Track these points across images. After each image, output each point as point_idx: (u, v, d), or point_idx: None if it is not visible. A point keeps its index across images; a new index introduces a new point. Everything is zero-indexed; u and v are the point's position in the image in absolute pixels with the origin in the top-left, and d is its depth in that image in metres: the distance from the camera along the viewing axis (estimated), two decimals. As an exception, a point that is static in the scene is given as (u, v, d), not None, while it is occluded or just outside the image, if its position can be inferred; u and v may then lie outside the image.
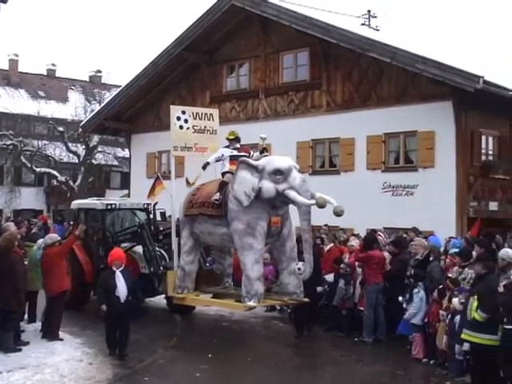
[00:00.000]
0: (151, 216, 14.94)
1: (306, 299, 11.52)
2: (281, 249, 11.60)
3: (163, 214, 14.81)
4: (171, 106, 13.77)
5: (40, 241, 12.54)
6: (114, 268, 10.50)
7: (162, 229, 14.93)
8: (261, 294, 11.08)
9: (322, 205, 10.43)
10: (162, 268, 13.25)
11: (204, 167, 12.54)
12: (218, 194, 11.74)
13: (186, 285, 12.54)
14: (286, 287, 11.53)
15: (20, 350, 10.44)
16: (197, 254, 12.72)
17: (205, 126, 13.62)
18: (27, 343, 10.75)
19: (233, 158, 11.96)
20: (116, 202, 15.00)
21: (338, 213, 10.32)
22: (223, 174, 12.12)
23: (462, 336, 8.76)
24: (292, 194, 10.71)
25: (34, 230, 19.63)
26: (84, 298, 14.11)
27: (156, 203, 14.65)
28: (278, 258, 11.77)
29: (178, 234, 12.99)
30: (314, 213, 10.99)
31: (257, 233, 11.05)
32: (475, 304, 8.53)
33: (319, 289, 12.72)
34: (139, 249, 13.74)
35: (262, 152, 12.10)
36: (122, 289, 10.34)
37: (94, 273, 13.79)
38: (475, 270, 9.10)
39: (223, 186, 11.74)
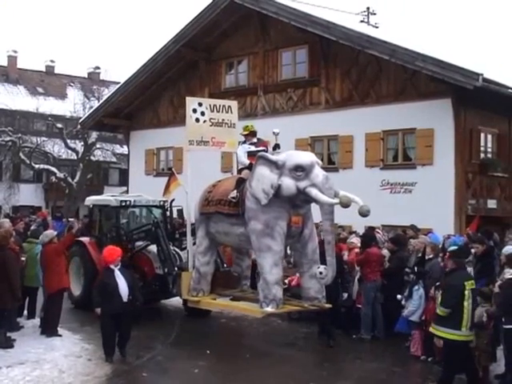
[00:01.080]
0: (168, 213, 14.50)
1: (328, 305, 10.81)
2: (302, 251, 10.77)
3: (180, 212, 13.99)
4: (187, 98, 13.01)
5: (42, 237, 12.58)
6: (112, 266, 10.09)
7: (178, 227, 14.51)
8: (279, 300, 10.36)
9: (346, 204, 9.59)
10: (176, 269, 12.64)
11: (241, 170, 11.62)
12: (235, 191, 11.03)
13: (200, 287, 11.89)
14: (306, 292, 10.75)
15: (12, 346, 10.44)
16: (213, 254, 12.06)
17: (222, 119, 12.91)
18: (14, 340, 10.67)
19: (251, 154, 11.31)
20: (131, 199, 14.44)
21: (364, 213, 9.48)
22: (240, 170, 11.63)
23: (430, 329, 9.05)
24: (314, 191, 9.92)
25: (32, 227, 19.62)
26: None
27: (173, 200, 14.07)
28: (299, 260, 10.98)
29: (194, 233, 12.37)
30: (313, 210, 10.69)
31: (276, 233, 10.33)
32: (439, 299, 8.89)
33: (345, 295, 12.16)
34: (154, 248, 13.25)
35: (274, 148, 11.48)
36: (123, 287, 9.94)
37: None
38: (448, 265, 9.25)
39: (241, 183, 11.06)
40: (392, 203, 18.11)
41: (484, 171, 18.48)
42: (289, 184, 10.16)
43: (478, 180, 18.44)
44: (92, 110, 29.30)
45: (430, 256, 10.85)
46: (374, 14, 31.39)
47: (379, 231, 14.73)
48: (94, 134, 37.79)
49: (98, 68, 48.54)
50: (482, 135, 18.78)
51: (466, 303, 8.57)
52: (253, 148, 11.48)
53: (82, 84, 47.28)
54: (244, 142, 11.83)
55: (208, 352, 10.79)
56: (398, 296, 10.93)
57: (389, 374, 9.87)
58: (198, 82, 23.85)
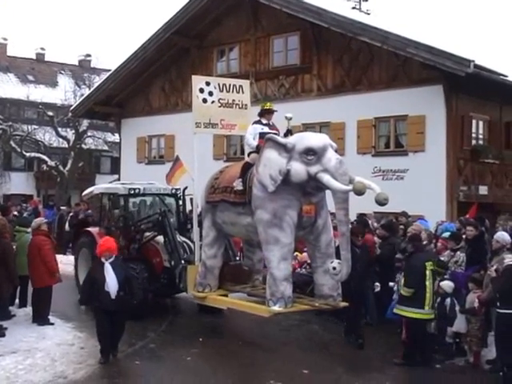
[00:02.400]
0: (181, 202, 13.67)
1: (344, 303, 9.89)
2: (315, 243, 9.85)
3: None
4: (193, 77, 12.09)
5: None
6: (103, 259, 9.35)
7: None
8: (288, 298, 9.49)
9: (360, 191, 8.67)
10: (183, 262, 11.86)
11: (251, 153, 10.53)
12: (240, 180, 10.15)
13: (207, 282, 11.07)
14: (320, 289, 9.88)
15: (4, 334, 10.41)
16: (220, 246, 11.17)
17: (233, 100, 11.92)
18: (5, 329, 10.62)
19: (262, 137, 10.17)
20: (140, 187, 13.55)
21: (381, 201, 8.57)
22: (249, 154, 10.58)
23: (395, 311, 9.86)
24: (326, 177, 9.00)
25: (24, 215, 19.59)
26: None
27: (186, 188, 13.00)
28: (312, 254, 10.07)
29: (201, 224, 11.57)
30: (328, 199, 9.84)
31: (284, 224, 9.42)
32: (402, 281, 9.62)
33: (377, 286, 11.11)
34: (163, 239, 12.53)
35: (286, 134, 10.54)
36: (111, 283, 9.22)
37: None
38: (407, 249, 9.98)
39: (246, 170, 10.15)
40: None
41: (475, 158, 18.53)
42: (298, 169, 9.28)
43: (470, 166, 18.48)
44: (83, 97, 29.14)
45: (425, 242, 10.86)
46: (366, 0, 31.20)
47: (370, 218, 14.78)
48: (85, 122, 37.63)
49: (88, 56, 48.27)
50: (474, 122, 18.81)
51: (427, 283, 9.40)
52: (266, 129, 10.38)
53: (72, 72, 47.00)
54: (257, 122, 10.65)
55: (201, 340, 10.81)
56: (391, 283, 10.96)
57: (382, 360, 9.91)
58: (189, 69, 23.68)
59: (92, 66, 45.77)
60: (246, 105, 12.11)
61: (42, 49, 49.37)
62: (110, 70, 27.44)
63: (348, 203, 9.05)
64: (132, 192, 13.37)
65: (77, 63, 49.34)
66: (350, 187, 8.80)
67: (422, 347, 9.63)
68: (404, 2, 61.14)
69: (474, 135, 18.85)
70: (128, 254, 12.54)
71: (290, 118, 10.82)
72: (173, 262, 12.08)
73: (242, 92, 12.18)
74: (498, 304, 8.38)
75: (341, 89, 19.87)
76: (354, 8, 28.65)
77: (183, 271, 11.72)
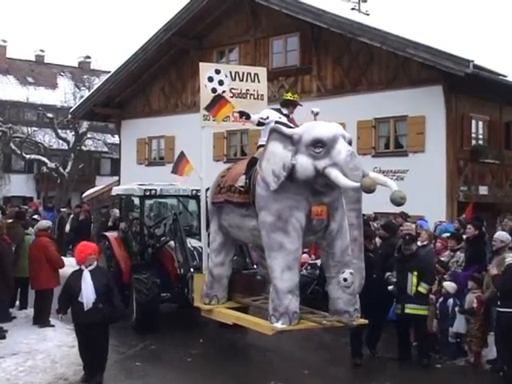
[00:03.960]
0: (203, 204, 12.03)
1: (363, 321, 8.71)
2: (328, 250, 8.57)
3: None
4: (201, 64, 10.97)
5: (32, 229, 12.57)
6: (82, 267, 8.44)
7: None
8: (293, 313, 8.25)
9: (369, 187, 7.49)
10: (192, 270, 10.79)
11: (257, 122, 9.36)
12: (244, 176, 9.04)
13: (214, 293, 9.88)
14: (334, 303, 8.56)
15: (4, 336, 10.40)
16: (228, 252, 9.94)
17: (247, 90, 10.74)
18: (6, 331, 10.59)
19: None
20: (157, 188, 12.48)
21: (397, 200, 7.45)
22: (258, 147, 9.40)
23: (407, 311, 9.60)
24: (334, 173, 7.80)
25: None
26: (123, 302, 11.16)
27: (207, 189, 10.86)
28: (325, 262, 8.77)
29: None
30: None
31: (290, 227, 8.23)
32: (415, 279, 9.50)
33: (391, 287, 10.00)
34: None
35: None
36: (86, 292, 8.23)
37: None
38: (408, 249, 9.86)
39: (253, 165, 8.96)
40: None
41: (475, 158, 18.51)
42: (304, 164, 8.08)
43: (470, 167, 18.47)
44: (83, 99, 29.17)
45: (425, 243, 10.85)
46: (365, 1, 31.20)
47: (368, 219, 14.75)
48: (85, 124, 37.66)
49: (88, 57, 48.34)
50: (474, 122, 18.79)
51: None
52: (284, 120, 9.15)
53: (72, 73, 47.07)
54: (278, 110, 9.42)
55: (201, 341, 10.82)
56: (389, 287, 10.70)
57: (381, 360, 9.92)
58: (189, 70, 23.72)
59: (92, 67, 45.86)
60: (262, 95, 10.86)
61: (42, 51, 49.46)
62: (109, 72, 27.46)
63: (361, 203, 7.96)
64: (148, 194, 12.35)
65: (76, 65, 49.43)
66: (357, 184, 7.60)
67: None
68: (403, 3, 61.12)
69: (473, 135, 18.83)
70: (141, 260, 12.06)
71: (317, 113, 9.57)
72: (182, 270, 11.26)
73: (258, 81, 10.94)
74: (499, 303, 8.39)
75: (340, 90, 19.86)
76: (353, 9, 28.65)
77: (190, 280, 10.75)
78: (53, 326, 11.27)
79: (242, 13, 22.08)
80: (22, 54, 49.68)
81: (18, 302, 12.39)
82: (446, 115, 17.57)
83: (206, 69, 10.75)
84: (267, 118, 9.09)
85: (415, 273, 9.51)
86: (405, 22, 25.12)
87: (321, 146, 7.98)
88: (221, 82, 10.61)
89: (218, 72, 10.67)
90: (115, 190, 14.00)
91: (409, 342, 9.97)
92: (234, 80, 10.71)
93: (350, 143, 8.17)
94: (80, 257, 8.51)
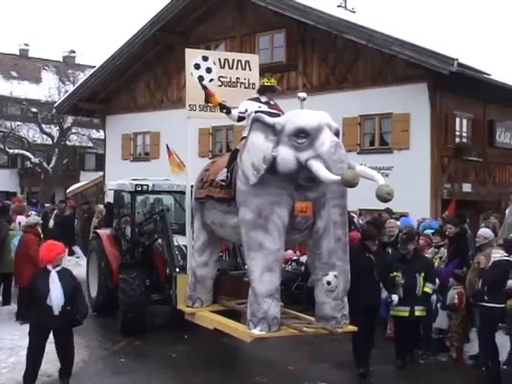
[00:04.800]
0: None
1: (352, 327, 8.12)
2: (315, 251, 7.97)
3: None
4: (187, 50, 10.30)
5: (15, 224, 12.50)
6: (48, 267, 7.76)
7: None
8: (273, 319, 7.66)
9: (349, 181, 6.86)
10: (178, 270, 10.24)
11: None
12: (225, 170, 8.47)
13: (197, 295, 9.40)
14: (320, 308, 8.00)
15: None
16: (213, 252, 9.42)
17: (237, 78, 10.04)
18: None
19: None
20: (149, 183, 11.84)
21: (384, 196, 6.89)
22: (242, 139, 8.68)
23: (417, 314, 9.32)
24: (315, 165, 7.20)
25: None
26: (113, 303, 11.29)
27: (192, 186, 10.32)
28: (311, 264, 8.21)
29: None
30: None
31: (271, 225, 7.64)
32: (422, 280, 9.30)
33: (394, 299, 9.34)
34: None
35: None
36: (55, 295, 7.61)
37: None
38: (409, 248, 9.54)
39: (235, 158, 8.39)
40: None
41: (459, 155, 18.64)
42: (286, 155, 7.46)
43: (454, 164, 18.61)
44: (67, 94, 28.98)
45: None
46: (351, -2, 31.32)
47: (354, 215, 14.82)
48: (70, 119, 37.48)
49: (73, 52, 48.01)
50: (457, 120, 18.91)
51: None
52: (265, 108, 8.48)
53: (56, 68, 46.72)
54: (257, 99, 8.79)
55: (186, 337, 10.82)
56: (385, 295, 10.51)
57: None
58: (174, 65, 23.63)
59: (76, 62, 45.55)
60: (253, 84, 10.08)
61: (26, 45, 49.12)
62: (94, 67, 27.31)
63: (345, 199, 7.58)
64: (139, 189, 11.69)
65: (61, 59, 49.06)
66: (338, 177, 6.96)
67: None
68: (389, 1, 61.31)
69: (457, 133, 18.96)
70: (132, 259, 11.60)
71: (304, 99, 9.06)
72: (168, 270, 10.61)
73: (249, 68, 10.20)
74: (486, 298, 8.46)
75: (326, 86, 19.91)
76: (339, 6, 28.73)
77: (173, 281, 10.19)
78: (36, 322, 11.21)
79: (228, 9, 22.06)
80: (6, 48, 49.49)
81: (0, 298, 12.32)
82: (430, 113, 17.67)
83: (192, 55, 10.06)
84: (246, 111, 8.50)
85: (422, 274, 9.31)
86: (391, 20, 25.26)
87: (304, 137, 7.39)
88: (208, 70, 9.97)
89: (205, 59, 10.00)
90: (110, 186, 13.37)
91: (408, 344, 9.68)
92: (223, 68, 10.05)
93: (336, 134, 7.58)
94: (49, 256, 7.80)
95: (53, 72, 46.12)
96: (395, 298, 9.20)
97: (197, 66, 9.93)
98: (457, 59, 16.25)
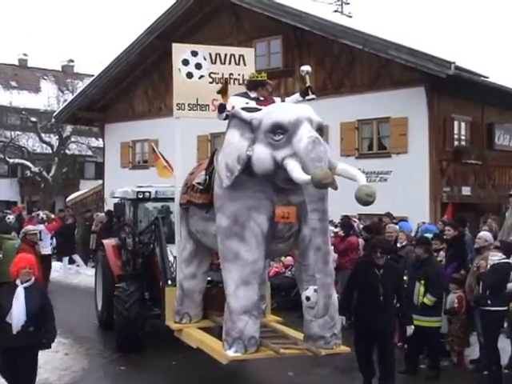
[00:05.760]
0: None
1: (344, 348, 7.36)
2: (301, 261, 7.25)
3: None
4: (174, 45, 9.75)
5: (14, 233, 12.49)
6: (17, 282, 7.06)
7: None
8: (249, 339, 6.88)
9: (320, 181, 6.06)
10: (170, 282, 9.38)
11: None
12: (204, 172, 7.87)
13: (184, 310, 8.64)
14: (308, 326, 7.21)
15: None
16: (201, 263, 8.62)
17: (230, 74, 9.15)
18: None
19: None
20: (151, 190, 11.22)
21: (363, 198, 6.08)
22: None
23: (414, 323, 8.76)
24: (291, 164, 6.47)
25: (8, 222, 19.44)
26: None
27: None
28: (298, 276, 7.46)
29: None
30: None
31: (247, 233, 6.93)
32: (422, 289, 8.93)
33: (409, 331, 8.32)
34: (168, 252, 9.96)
35: (304, 94, 8.06)
36: (16, 312, 6.85)
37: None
38: (417, 253, 9.30)
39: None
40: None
41: (458, 159, 18.65)
42: (261, 154, 6.71)
43: (452, 167, 18.61)
44: (66, 103, 29.06)
45: (404, 243, 10.93)
46: (348, 3, 31.50)
47: (356, 220, 14.83)
48: (69, 128, 37.51)
49: (71, 61, 48.09)
50: (456, 123, 18.93)
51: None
52: (252, 104, 7.57)
53: (55, 77, 46.81)
54: (245, 94, 7.87)
55: (186, 345, 10.76)
56: None
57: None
58: (172, 73, 23.71)
59: (75, 71, 45.63)
60: None
61: (25, 55, 49.23)
62: (93, 75, 27.38)
63: (325, 203, 6.47)
64: (141, 196, 11.12)
65: (60, 69, 49.17)
66: (308, 177, 6.22)
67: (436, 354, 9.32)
68: (386, 5, 61.46)
69: (456, 136, 18.97)
70: (133, 270, 10.92)
71: (308, 72, 8.11)
72: (161, 282, 9.78)
73: (244, 64, 9.31)
74: (489, 302, 8.44)
75: (323, 91, 19.85)
76: (335, 11, 28.90)
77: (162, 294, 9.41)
78: (36, 331, 11.20)
79: (225, 16, 22.12)
80: (5, 58, 49.48)
81: None
82: (428, 116, 17.69)
83: (180, 50, 9.37)
84: (233, 108, 7.45)
85: (422, 282, 8.95)
86: (388, 24, 25.35)
87: (281, 133, 6.64)
88: (198, 66, 9.22)
89: (194, 54, 9.26)
90: (116, 193, 12.68)
91: (417, 355, 9.42)
92: (214, 63, 9.24)
93: (319, 129, 6.77)
94: (13, 270, 7.16)
95: (52, 81, 46.21)
96: (410, 330, 8.26)
97: (185, 62, 9.24)
98: (454, 62, 16.28)
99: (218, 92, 8.17)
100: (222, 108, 7.58)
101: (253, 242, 6.95)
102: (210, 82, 9.14)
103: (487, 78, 18.05)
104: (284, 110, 6.96)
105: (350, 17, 27.45)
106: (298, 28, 19.56)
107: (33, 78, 47.25)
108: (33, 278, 7.11)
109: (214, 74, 9.23)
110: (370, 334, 7.99)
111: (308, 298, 6.64)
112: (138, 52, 23.56)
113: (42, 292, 7.34)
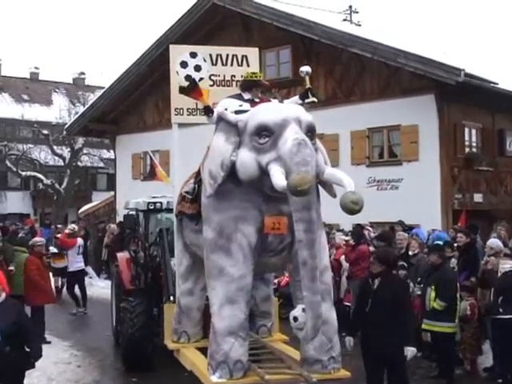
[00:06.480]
0: None
1: (344, 372, 6.66)
2: (295, 277, 6.50)
3: None
4: (171, 46, 9.15)
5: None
6: None
7: None
8: (235, 363, 6.24)
9: (295, 187, 5.51)
10: (172, 298, 8.75)
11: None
12: (193, 180, 7.41)
13: (182, 328, 7.99)
14: (304, 349, 6.54)
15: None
16: (199, 279, 7.80)
17: (232, 76, 8.55)
18: None
19: None
20: (163, 201, 10.70)
21: (348, 205, 5.63)
22: None
23: (423, 326, 9.01)
24: (273, 169, 5.92)
25: (20, 234, 19.58)
26: None
27: None
28: (293, 293, 6.72)
29: None
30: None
31: (233, 246, 6.33)
32: (433, 294, 8.88)
33: (409, 354, 6.90)
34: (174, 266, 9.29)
35: (303, 97, 7.52)
36: None
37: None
38: (431, 259, 9.31)
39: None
40: (379, 200, 18.14)
41: (469, 165, 18.58)
42: (245, 159, 6.17)
43: (464, 174, 18.53)
44: (77, 115, 29.22)
45: (416, 251, 10.89)
46: (357, 12, 31.44)
47: (369, 228, 14.79)
48: (81, 140, 37.74)
49: (82, 73, 48.54)
50: (466, 130, 18.86)
51: (458, 295, 8.99)
52: (247, 107, 6.89)
53: (67, 90, 47.24)
54: (239, 96, 7.25)
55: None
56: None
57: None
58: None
59: (86, 83, 45.99)
60: None
61: (36, 68, 49.71)
62: (103, 88, 27.55)
63: (311, 212, 5.88)
64: (152, 207, 10.57)
65: (71, 81, 49.57)
66: (284, 183, 5.70)
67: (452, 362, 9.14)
68: (395, 13, 61.51)
69: (467, 143, 18.90)
70: (142, 285, 10.34)
71: (307, 73, 7.67)
72: (164, 298, 9.17)
73: (247, 64, 8.74)
74: (501, 310, 8.38)
75: (333, 100, 19.94)
76: (345, 20, 28.89)
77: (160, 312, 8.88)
78: (49, 342, 11.27)
79: (234, 27, 22.20)
80: (17, 72, 49.98)
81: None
82: (438, 124, 17.65)
83: (178, 52, 8.75)
84: (225, 110, 6.82)
85: (433, 287, 8.94)
86: (397, 32, 25.31)
87: (266, 135, 6.09)
88: (197, 68, 8.63)
89: (193, 55, 8.65)
90: (130, 204, 12.13)
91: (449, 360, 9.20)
92: (215, 64, 8.67)
93: (310, 130, 6.23)
94: None
95: (63, 94, 46.61)
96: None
97: (183, 64, 8.64)
98: (463, 69, 16.24)
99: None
100: (207, 111, 6.86)
101: (239, 256, 6.34)
102: (211, 85, 8.57)
103: (497, 84, 17.99)
104: (270, 110, 6.40)
105: (359, 25, 27.43)
106: (307, 37, 19.60)
107: (44, 91, 47.67)
108: (3, 295, 6.71)
109: (215, 76, 8.69)
110: (373, 356, 7.04)
111: (295, 319, 5.95)
112: (148, 64, 23.68)
113: (16, 309, 6.84)
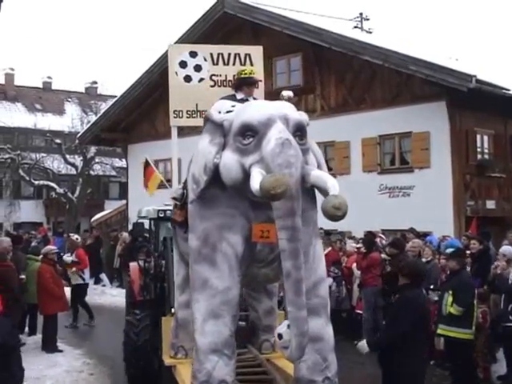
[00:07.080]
0: None
1: None
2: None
3: None
4: (170, 45, 8.90)
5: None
6: None
7: None
8: (218, 383, 5.69)
9: (268, 191, 4.96)
10: (172, 310, 8.37)
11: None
12: (181, 185, 7.11)
13: (179, 343, 7.60)
14: (297, 368, 5.87)
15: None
16: None
17: (234, 76, 7.61)
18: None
19: None
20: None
21: (330, 211, 5.10)
22: None
23: (438, 331, 8.91)
24: (254, 172, 5.37)
25: (33, 243, 19.71)
26: None
27: None
28: (286, 307, 5.68)
29: None
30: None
31: (218, 256, 5.80)
32: (450, 299, 8.76)
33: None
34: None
35: None
36: None
37: None
38: (449, 265, 9.25)
39: None
40: (391, 207, 18.14)
41: (481, 172, 18.51)
42: (227, 161, 5.65)
43: (476, 181, 18.47)
44: (90, 124, 29.41)
45: (429, 258, 10.85)
46: (368, 19, 31.47)
47: (381, 236, 14.75)
48: (93, 149, 37.86)
49: (95, 83, 48.76)
50: (478, 136, 18.81)
51: (475, 301, 8.87)
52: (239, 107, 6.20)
53: (79, 99, 47.47)
54: (228, 97, 6.85)
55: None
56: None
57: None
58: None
59: (98, 92, 46.23)
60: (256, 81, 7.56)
61: (49, 77, 49.97)
62: (115, 96, 27.70)
63: (295, 218, 5.28)
64: (162, 215, 9.79)
65: (83, 90, 49.85)
66: (257, 186, 5.16)
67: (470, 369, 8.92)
68: (406, 19, 61.48)
69: (479, 150, 18.85)
70: (149, 296, 9.96)
71: (289, 98, 7.10)
72: (165, 310, 8.75)
73: (251, 63, 8.36)
74: (511, 318, 8.33)
75: (344, 108, 19.95)
76: (355, 27, 28.94)
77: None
78: (61, 351, 11.33)
79: (244, 34, 22.24)
80: (30, 82, 50.36)
81: (26, 328, 12.44)
82: (450, 130, 17.62)
83: (176, 52, 8.37)
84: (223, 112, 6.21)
85: (450, 292, 8.84)
86: (407, 39, 25.36)
87: (251, 135, 5.57)
88: (197, 68, 8.26)
89: (193, 55, 8.26)
90: (142, 212, 11.17)
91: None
92: (216, 64, 8.27)
93: (299, 129, 5.74)
94: None
95: (76, 103, 46.85)
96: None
97: (183, 64, 8.28)
98: (475, 76, 16.23)
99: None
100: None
101: (224, 267, 5.79)
102: (212, 86, 8.24)
103: (508, 90, 17.94)
104: (256, 108, 5.85)
105: (370, 33, 27.47)
106: (318, 45, 19.63)
107: (57, 101, 47.95)
108: None
109: (216, 76, 8.29)
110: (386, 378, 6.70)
111: (280, 336, 5.35)
112: (159, 73, 23.76)
113: (4, 324, 6.29)
